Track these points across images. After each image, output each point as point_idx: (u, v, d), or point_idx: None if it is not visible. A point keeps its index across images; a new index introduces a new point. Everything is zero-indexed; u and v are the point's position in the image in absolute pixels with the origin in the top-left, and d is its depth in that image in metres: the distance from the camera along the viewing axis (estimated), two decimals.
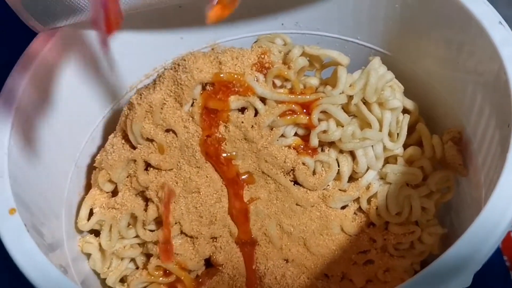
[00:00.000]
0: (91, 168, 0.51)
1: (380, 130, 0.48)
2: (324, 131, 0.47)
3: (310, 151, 0.48)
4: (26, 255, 0.38)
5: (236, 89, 0.46)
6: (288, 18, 0.55)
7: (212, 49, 0.52)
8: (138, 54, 0.53)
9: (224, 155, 0.48)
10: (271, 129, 0.47)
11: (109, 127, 0.53)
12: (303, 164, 0.48)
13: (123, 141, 0.49)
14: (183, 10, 0.53)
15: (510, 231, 0.64)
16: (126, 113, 0.48)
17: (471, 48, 0.45)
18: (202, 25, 0.55)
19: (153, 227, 0.50)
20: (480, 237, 0.35)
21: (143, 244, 0.51)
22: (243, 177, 0.49)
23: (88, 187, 0.52)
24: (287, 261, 0.51)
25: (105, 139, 0.51)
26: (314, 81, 0.48)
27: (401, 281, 0.51)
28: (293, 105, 0.47)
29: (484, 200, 0.43)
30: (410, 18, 0.50)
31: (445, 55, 0.49)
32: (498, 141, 0.42)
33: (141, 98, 0.47)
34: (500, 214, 0.35)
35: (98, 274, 0.51)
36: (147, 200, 0.49)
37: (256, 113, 0.47)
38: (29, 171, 0.45)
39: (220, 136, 0.47)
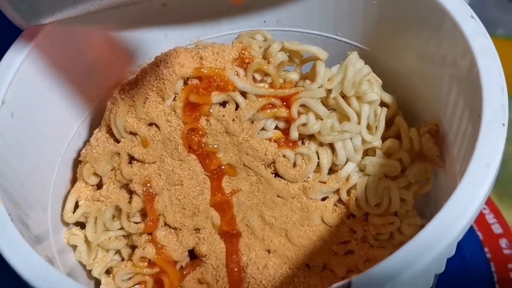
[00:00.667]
0: (77, 162, 0.52)
1: (359, 123, 0.48)
2: (304, 124, 0.48)
3: (290, 144, 0.49)
4: (11, 245, 0.39)
5: (217, 83, 0.47)
6: (270, 15, 0.56)
7: (196, 46, 0.53)
8: (123, 50, 0.54)
9: (206, 148, 0.49)
10: (252, 123, 0.48)
11: (95, 123, 0.54)
12: (284, 156, 0.49)
13: (107, 135, 0.50)
14: (167, 8, 0.54)
15: (491, 224, 0.65)
16: (110, 108, 0.49)
17: (447, 43, 0.46)
18: (186, 22, 0.56)
19: (137, 219, 0.51)
20: (450, 220, 0.35)
21: (128, 236, 0.52)
22: (224, 169, 0.50)
23: (74, 180, 0.53)
24: (269, 251, 0.52)
25: (91, 134, 0.52)
26: (294, 76, 0.49)
27: None
28: (273, 99, 0.48)
29: None
30: (388, 15, 0.51)
31: (423, 51, 0.50)
32: (471, 132, 0.42)
33: (124, 93, 0.48)
34: (469, 198, 0.36)
35: (84, 266, 0.52)
36: (131, 192, 0.50)
37: (237, 107, 0.48)
38: (15, 165, 0.46)
39: (202, 129, 0.48)
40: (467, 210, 0.36)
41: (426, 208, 0.55)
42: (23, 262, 0.38)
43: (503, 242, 0.64)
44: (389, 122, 0.51)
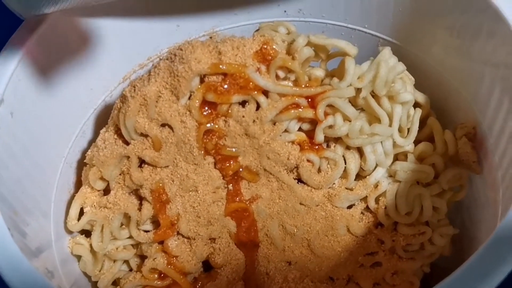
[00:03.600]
0: (82, 164, 0.48)
1: (390, 125, 0.45)
2: (330, 126, 0.45)
3: (315, 147, 0.46)
4: (8, 260, 0.36)
5: (236, 81, 0.43)
6: (291, 4, 0.52)
7: (211, 37, 0.49)
8: (132, 43, 0.50)
9: (224, 151, 0.45)
10: (274, 124, 0.45)
11: (101, 121, 0.50)
12: (308, 161, 0.46)
13: (115, 136, 0.46)
14: None
15: None
16: (118, 106, 0.45)
17: (487, 37, 0.43)
18: (199, 12, 0.52)
19: (148, 227, 0.48)
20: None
21: (137, 245, 0.48)
22: (243, 174, 0.46)
23: (78, 184, 0.49)
24: (289, 263, 0.49)
25: (96, 133, 0.48)
26: (319, 73, 0.45)
27: (410, 284, 0.49)
28: (297, 98, 0.44)
29: (502, 202, 0.41)
30: (421, 4, 0.48)
31: (458, 44, 0.46)
32: None
33: (134, 90, 0.44)
34: None
35: (89, 277, 0.49)
36: (141, 199, 0.47)
37: (258, 107, 0.44)
38: (14, 168, 0.42)
39: (219, 131, 0.44)
40: None
41: (457, 216, 0.51)
42: (22, 281, 0.35)
43: None
44: (421, 123, 0.48)
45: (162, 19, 0.51)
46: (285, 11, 0.53)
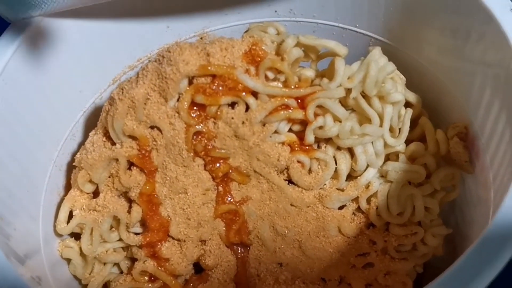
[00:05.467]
0: (71, 166, 0.48)
1: (381, 126, 0.45)
2: (321, 127, 0.44)
3: (305, 148, 0.46)
4: None
5: (225, 83, 0.42)
6: (281, 4, 0.52)
7: (201, 38, 0.49)
8: (122, 44, 0.50)
9: (213, 153, 0.45)
10: (263, 125, 0.44)
11: (91, 123, 0.49)
12: (298, 162, 0.46)
13: (104, 139, 0.45)
14: None
15: None
16: (107, 109, 0.45)
17: (479, 37, 0.42)
18: (190, 13, 0.51)
19: (137, 230, 0.47)
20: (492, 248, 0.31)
21: (127, 247, 0.48)
22: (233, 176, 0.46)
23: (68, 187, 0.49)
24: (281, 264, 0.48)
25: (86, 135, 0.48)
26: (309, 73, 0.45)
27: (403, 284, 0.48)
28: (287, 99, 0.44)
29: (494, 201, 0.40)
30: (413, 4, 0.47)
31: (450, 43, 0.46)
32: (510, 138, 0.38)
33: (122, 92, 0.43)
34: None
35: (79, 280, 0.48)
36: (130, 201, 0.46)
37: (247, 108, 0.44)
38: (1, 173, 0.41)
39: (208, 132, 0.44)
40: None
41: (451, 216, 0.51)
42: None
43: None
44: (413, 123, 0.47)
45: (152, 20, 0.50)
46: (276, 11, 0.52)
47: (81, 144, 0.48)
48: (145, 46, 0.51)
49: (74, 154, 0.48)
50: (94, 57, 0.48)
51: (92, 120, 0.49)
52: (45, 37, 0.44)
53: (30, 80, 0.44)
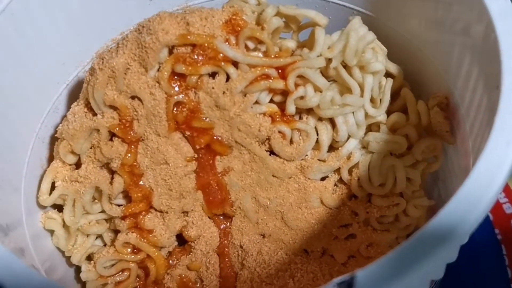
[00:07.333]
0: (54, 139, 0.48)
1: (362, 96, 0.45)
2: (301, 97, 0.44)
3: (286, 119, 0.45)
4: None
5: (205, 52, 0.42)
6: None
7: (184, 12, 0.49)
8: (104, 17, 0.50)
9: (194, 123, 0.45)
10: (244, 96, 0.44)
11: (74, 96, 0.49)
12: (279, 132, 0.45)
13: (85, 110, 0.45)
14: None
15: (502, 204, 0.61)
16: (87, 80, 0.45)
17: (459, 8, 0.42)
18: None
19: (120, 201, 0.47)
20: (465, 206, 0.31)
21: (110, 219, 0.48)
22: (214, 147, 0.46)
23: (51, 159, 0.48)
24: (263, 236, 0.48)
25: (69, 108, 0.48)
26: (290, 44, 0.45)
27: None
28: (267, 69, 0.43)
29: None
30: None
31: (431, 15, 0.46)
32: (486, 105, 0.39)
33: (103, 62, 0.43)
34: (487, 182, 0.32)
35: (62, 252, 0.48)
36: (112, 172, 0.46)
37: (228, 78, 0.44)
38: None
39: (189, 102, 0.44)
40: (484, 196, 0.32)
41: (434, 188, 0.51)
42: None
43: None
44: (395, 95, 0.47)
45: None
46: None
47: (65, 116, 0.48)
48: (128, 19, 0.50)
49: (57, 127, 0.48)
50: (76, 29, 0.48)
51: (75, 93, 0.49)
52: (26, 9, 0.44)
53: (10, 53, 0.44)
